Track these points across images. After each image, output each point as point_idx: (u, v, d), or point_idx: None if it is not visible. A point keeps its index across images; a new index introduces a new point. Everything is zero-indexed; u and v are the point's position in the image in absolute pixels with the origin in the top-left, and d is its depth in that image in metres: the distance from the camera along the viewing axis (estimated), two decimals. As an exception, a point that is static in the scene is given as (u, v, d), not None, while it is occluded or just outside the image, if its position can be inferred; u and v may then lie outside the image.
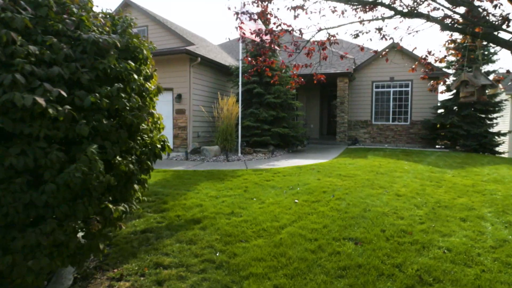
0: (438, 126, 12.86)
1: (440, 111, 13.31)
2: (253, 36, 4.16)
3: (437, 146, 13.25)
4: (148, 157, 2.50)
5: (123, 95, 1.96)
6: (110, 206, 1.94)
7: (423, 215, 3.97)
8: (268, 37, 4.31)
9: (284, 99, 11.74)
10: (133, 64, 2.07)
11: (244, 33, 4.02)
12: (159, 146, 2.50)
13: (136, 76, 2.10)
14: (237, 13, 3.92)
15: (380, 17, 3.57)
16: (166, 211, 4.14)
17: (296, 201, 4.49)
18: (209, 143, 11.27)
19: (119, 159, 2.00)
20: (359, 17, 3.72)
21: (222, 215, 3.93)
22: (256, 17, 3.97)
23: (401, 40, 4.10)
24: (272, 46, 4.09)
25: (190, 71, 10.75)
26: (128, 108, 2.00)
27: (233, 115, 10.36)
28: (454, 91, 11.58)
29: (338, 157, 9.17)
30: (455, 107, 12.75)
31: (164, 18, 16.04)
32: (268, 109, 11.23)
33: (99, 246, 1.99)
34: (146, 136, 2.46)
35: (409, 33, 3.87)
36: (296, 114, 12.59)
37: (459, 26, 2.98)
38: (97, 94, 1.79)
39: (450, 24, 3.05)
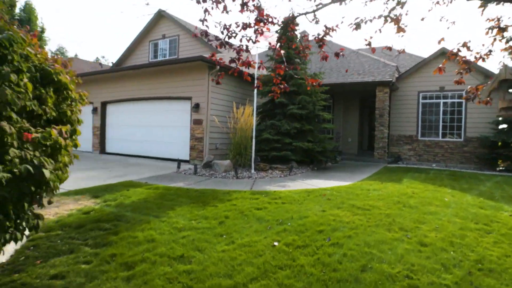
0: (499, 144, 10.53)
1: (502, 126, 10.94)
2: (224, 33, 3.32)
3: (498, 169, 10.81)
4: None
5: None
6: None
7: (451, 285, 2.66)
8: (248, 32, 3.45)
9: (311, 110, 10.55)
10: None
11: (208, 27, 3.20)
12: (20, 167, 1.75)
13: None
14: (199, 2, 3.13)
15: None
16: (108, 245, 3.36)
17: (276, 244, 3.44)
18: (226, 156, 10.57)
19: None
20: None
21: (167, 259, 3.06)
22: (222, 8, 3.14)
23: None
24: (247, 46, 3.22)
25: (208, 79, 10.24)
26: None
27: (249, 127, 9.52)
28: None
29: (366, 179, 7.76)
30: (524, 122, 10.36)
31: (195, 26, 16.05)
32: (292, 121, 10.16)
33: None
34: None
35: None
36: (324, 127, 11.25)
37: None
38: None
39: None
